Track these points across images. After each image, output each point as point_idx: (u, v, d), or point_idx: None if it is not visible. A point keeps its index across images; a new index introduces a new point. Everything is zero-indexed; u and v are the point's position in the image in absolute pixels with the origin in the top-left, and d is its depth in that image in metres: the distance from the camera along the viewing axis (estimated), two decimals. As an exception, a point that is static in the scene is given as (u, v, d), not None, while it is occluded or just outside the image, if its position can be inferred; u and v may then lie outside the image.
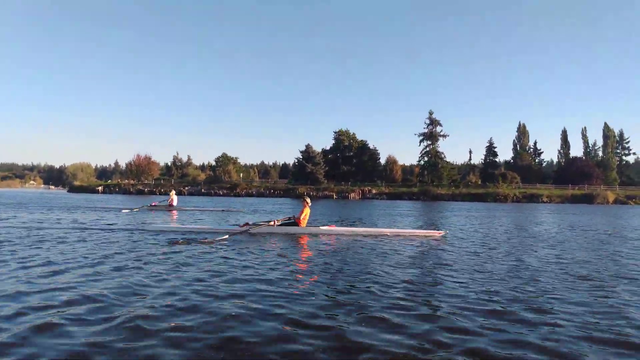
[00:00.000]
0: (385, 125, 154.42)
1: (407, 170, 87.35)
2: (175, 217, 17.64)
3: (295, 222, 11.15)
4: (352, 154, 78.59)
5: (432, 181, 69.04)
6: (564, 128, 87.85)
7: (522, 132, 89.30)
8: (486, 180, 69.39)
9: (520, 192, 56.27)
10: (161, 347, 3.20)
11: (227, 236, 9.58)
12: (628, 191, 57.85)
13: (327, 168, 69.96)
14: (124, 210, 19.95)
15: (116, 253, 7.38)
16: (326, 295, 4.80)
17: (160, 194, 58.12)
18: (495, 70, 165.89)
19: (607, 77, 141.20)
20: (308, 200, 11.52)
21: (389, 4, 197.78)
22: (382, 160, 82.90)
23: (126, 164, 76.21)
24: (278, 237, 10.29)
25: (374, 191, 60.67)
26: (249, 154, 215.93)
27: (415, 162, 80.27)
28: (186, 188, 62.51)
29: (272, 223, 10.92)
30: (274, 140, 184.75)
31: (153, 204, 22.51)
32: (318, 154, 69.99)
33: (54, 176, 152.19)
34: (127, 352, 3.10)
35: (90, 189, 64.24)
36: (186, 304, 4.29)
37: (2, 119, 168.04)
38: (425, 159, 74.00)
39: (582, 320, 4.03)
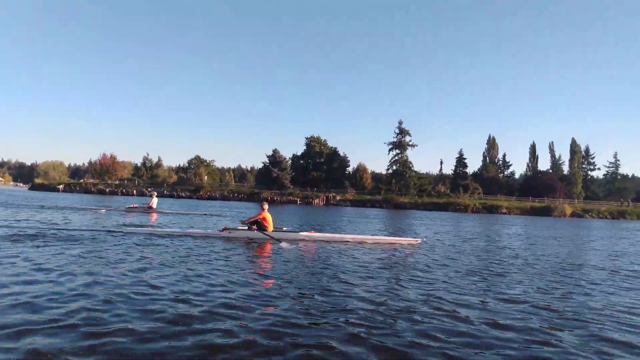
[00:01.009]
0: (358, 133, 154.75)
1: (378, 178, 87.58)
2: (154, 219, 17.20)
3: (262, 226, 11.10)
4: (322, 160, 78.69)
5: (399, 190, 69.37)
6: (533, 142, 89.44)
7: (491, 144, 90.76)
8: (455, 191, 70.11)
9: (480, 203, 56.87)
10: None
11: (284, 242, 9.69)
12: (586, 205, 58.99)
13: (293, 173, 69.76)
14: (100, 211, 19.62)
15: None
16: (302, 303, 4.92)
17: (122, 195, 57.30)
18: (468, 81, 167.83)
19: (576, 93, 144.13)
20: (265, 206, 11.48)
21: (364, 11, 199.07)
22: (353, 168, 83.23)
23: (90, 163, 74.79)
24: (255, 242, 10.49)
25: (338, 198, 60.71)
26: (227, 157, 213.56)
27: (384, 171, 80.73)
28: (149, 189, 61.55)
29: (247, 227, 11.03)
30: (253, 145, 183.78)
31: (132, 205, 21.98)
32: (285, 159, 69.81)
33: (24, 173, 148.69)
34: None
35: (51, 187, 62.74)
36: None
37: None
38: (394, 167, 74.56)
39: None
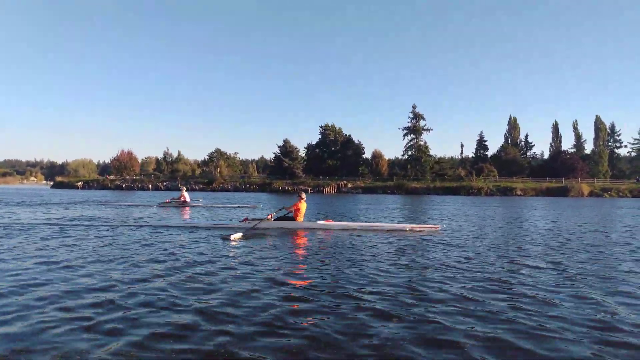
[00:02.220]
0: (375, 120, 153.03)
1: (394, 163, 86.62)
2: (187, 213, 17.83)
3: (292, 217, 11.30)
4: (337, 148, 78.29)
5: (415, 175, 68.54)
6: (555, 121, 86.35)
7: (513, 125, 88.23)
8: (476, 174, 68.80)
9: (494, 185, 55.57)
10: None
11: (241, 234, 9.62)
12: (605, 184, 56.85)
13: (305, 163, 69.80)
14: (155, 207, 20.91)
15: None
16: (326, 292, 4.84)
17: (137, 190, 58.67)
18: (488, 64, 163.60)
19: (600, 71, 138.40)
20: (303, 195, 11.58)
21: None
22: (368, 155, 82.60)
23: (110, 160, 76.71)
24: (276, 231, 10.52)
25: (349, 185, 60.47)
26: (250, 149, 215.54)
27: (399, 156, 79.99)
28: (164, 183, 62.86)
29: (269, 217, 11.12)
30: (275, 136, 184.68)
31: (167, 201, 22.53)
32: (295, 149, 69.92)
33: (55, 172, 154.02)
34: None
35: (70, 185, 64.80)
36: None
37: (8, 117, 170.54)
38: (410, 152, 73.67)
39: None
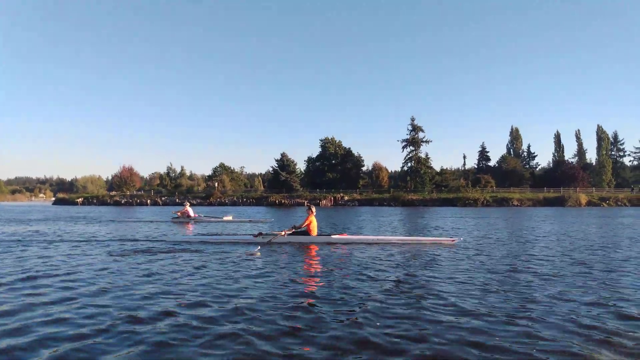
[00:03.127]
0: (375, 133, 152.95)
1: (395, 176, 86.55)
2: (191, 228, 17.74)
3: (306, 232, 11.25)
4: (337, 161, 78.54)
5: (415, 187, 68.36)
6: (557, 131, 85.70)
7: (515, 136, 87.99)
8: (474, 185, 68.46)
9: (490, 196, 55.09)
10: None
11: (258, 248, 9.80)
12: (604, 194, 56.13)
13: (302, 176, 70.01)
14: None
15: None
16: (343, 307, 4.88)
17: (136, 205, 59.19)
18: (489, 74, 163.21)
19: (601, 80, 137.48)
20: (313, 209, 11.51)
21: (377, 8, 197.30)
22: (369, 167, 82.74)
23: (112, 176, 77.65)
24: (291, 246, 10.49)
25: (346, 197, 60.39)
26: (256, 163, 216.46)
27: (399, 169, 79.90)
28: (162, 199, 63.38)
29: (282, 233, 11.05)
30: (280, 149, 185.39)
31: (178, 214, 22.62)
32: (293, 162, 70.16)
33: (65, 189, 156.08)
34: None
35: (70, 201, 65.62)
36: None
37: (19, 134, 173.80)
38: (409, 164, 73.57)
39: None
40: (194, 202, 61.35)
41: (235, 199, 62.03)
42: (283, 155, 69.18)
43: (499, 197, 54.44)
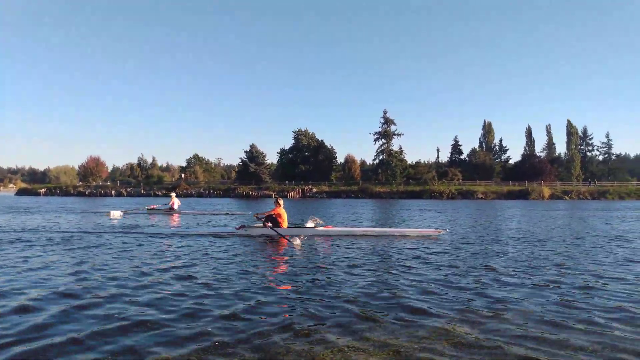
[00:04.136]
0: (350, 125, 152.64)
1: (367, 168, 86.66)
2: (176, 220, 16.59)
3: (276, 222, 10.85)
4: (309, 153, 78.02)
5: (386, 179, 68.42)
6: (528, 125, 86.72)
7: (487, 130, 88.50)
8: (442, 177, 68.86)
9: (455, 188, 55.43)
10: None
11: (300, 238, 9.43)
12: (566, 187, 56.94)
13: (270, 168, 69.50)
14: (113, 213, 18.53)
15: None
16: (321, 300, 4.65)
17: (99, 196, 57.95)
18: (464, 68, 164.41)
19: (572, 75, 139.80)
20: (281, 201, 11.20)
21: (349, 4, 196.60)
22: (341, 160, 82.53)
23: (78, 167, 75.99)
24: (273, 238, 10.22)
25: (314, 189, 60.09)
26: (235, 155, 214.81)
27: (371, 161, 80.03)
28: (128, 189, 62.26)
29: (267, 224, 10.65)
30: (261, 141, 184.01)
31: (152, 207, 21.54)
32: (262, 154, 69.49)
33: (37, 179, 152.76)
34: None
35: (33, 192, 64.01)
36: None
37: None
38: (380, 157, 73.56)
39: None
40: (159, 193, 60.45)
41: (202, 190, 61.19)
42: (252, 146, 68.44)
43: (464, 190, 54.80)
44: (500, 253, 8.08)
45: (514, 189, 54.87)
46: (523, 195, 51.72)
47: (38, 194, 61.74)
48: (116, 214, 18.39)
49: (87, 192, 61.48)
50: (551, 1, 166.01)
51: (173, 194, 22.26)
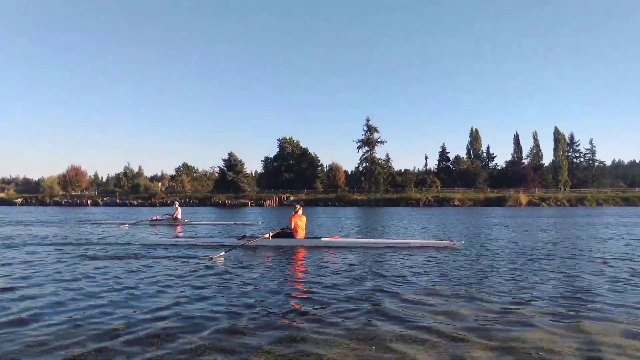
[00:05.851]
0: (336, 133, 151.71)
1: (352, 176, 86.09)
2: (179, 231, 15.84)
3: (290, 234, 10.29)
4: (293, 161, 77.55)
5: (369, 187, 67.92)
6: (516, 132, 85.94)
7: (474, 137, 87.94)
8: (418, 185, 68.23)
9: (432, 196, 54.74)
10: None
11: (223, 253, 8.75)
12: (544, 194, 56.20)
13: (248, 176, 69.12)
14: (122, 226, 17.94)
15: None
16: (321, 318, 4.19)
17: (77, 206, 57.45)
18: (451, 75, 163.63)
19: (558, 81, 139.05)
20: (298, 207, 10.59)
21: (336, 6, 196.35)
22: (326, 168, 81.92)
23: (57, 176, 75.62)
24: (274, 250, 9.54)
25: (291, 198, 59.49)
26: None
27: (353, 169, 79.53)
28: (104, 199, 61.79)
29: (267, 236, 10.18)
30: (258, 149, 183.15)
31: (154, 217, 20.22)
32: (240, 162, 68.98)
33: (30, 189, 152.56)
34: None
35: (9, 202, 63.62)
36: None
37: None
38: (364, 165, 73.11)
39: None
40: (135, 202, 59.92)
41: (179, 199, 60.58)
42: (230, 155, 67.90)
43: (440, 197, 54.08)
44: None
45: (490, 196, 54.10)
46: (500, 202, 50.96)
47: (14, 204, 61.34)
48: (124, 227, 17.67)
49: (63, 202, 61.00)
50: (539, 9, 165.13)
51: (177, 203, 21.01)
